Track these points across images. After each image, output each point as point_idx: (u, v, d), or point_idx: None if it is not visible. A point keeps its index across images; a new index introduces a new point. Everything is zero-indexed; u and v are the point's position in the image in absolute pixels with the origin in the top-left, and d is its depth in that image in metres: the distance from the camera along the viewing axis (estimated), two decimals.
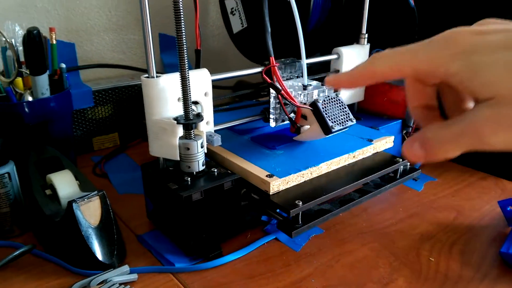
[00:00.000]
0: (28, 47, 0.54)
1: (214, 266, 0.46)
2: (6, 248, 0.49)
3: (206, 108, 0.51)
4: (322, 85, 0.56)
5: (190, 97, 0.44)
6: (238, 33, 0.79)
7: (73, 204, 0.44)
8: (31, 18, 0.75)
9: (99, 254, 0.44)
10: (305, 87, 0.54)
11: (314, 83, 0.56)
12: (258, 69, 0.54)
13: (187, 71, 0.42)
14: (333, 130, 0.52)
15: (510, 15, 0.50)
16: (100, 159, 0.72)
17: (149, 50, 0.44)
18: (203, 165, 0.47)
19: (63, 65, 0.62)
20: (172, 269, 0.45)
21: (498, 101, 0.21)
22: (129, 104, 0.79)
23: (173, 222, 0.48)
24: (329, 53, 0.65)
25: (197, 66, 0.56)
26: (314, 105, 0.52)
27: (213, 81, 0.51)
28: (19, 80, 0.58)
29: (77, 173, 0.52)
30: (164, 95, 0.46)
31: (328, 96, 0.54)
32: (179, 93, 0.44)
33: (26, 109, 0.57)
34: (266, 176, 0.48)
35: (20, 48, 0.57)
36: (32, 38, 0.54)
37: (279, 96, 0.53)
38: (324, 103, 0.53)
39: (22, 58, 0.58)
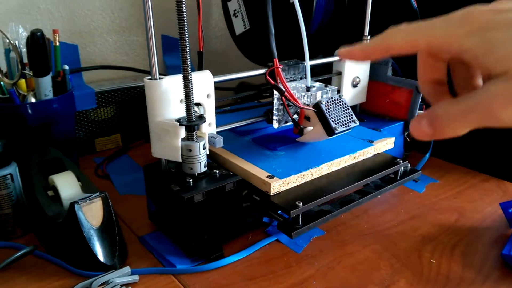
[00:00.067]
0: (32, 49, 0.55)
1: (215, 267, 0.46)
2: (8, 249, 0.49)
3: (209, 109, 0.51)
4: (325, 86, 0.56)
5: (193, 99, 0.44)
6: (241, 35, 0.79)
7: (75, 205, 0.44)
8: (34, 20, 0.75)
9: (100, 256, 0.44)
10: (308, 89, 0.55)
11: (318, 84, 0.56)
12: (261, 71, 0.54)
13: (190, 72, 0.42)
14: (336, 131, 0.52)
15: None
16: (102, 160, 0.72)
17: (152, 52, 0.44)
18: (205, 167, 0.48)
19: (66, 67, 0.62)
20: (173, 270, 0.45)
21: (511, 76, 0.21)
22: (131, 106, 0.79)
23: (174, 223, 0.48)
24: (332, 54, 0.66)
25: (200, 67, 0.56)
26: (317, 106, 0.52)
27: (215, 82, 0.51)
28: (22, 81, 0.59)
29: (79, 174, 0.52)
30: (167, 96, 0.46)
31: (331, 98, 0.54)
32: (181, 95, 0.45)
33: (29, 111, 0.57)
34: (267, 177, 0.48)
35: (24, 50, 0.57)
36: (36, 40, 0.54)
37: (283, 97, 0.53)
38: (327, 105, 0.53)
39: (25, 60, 0.58)
